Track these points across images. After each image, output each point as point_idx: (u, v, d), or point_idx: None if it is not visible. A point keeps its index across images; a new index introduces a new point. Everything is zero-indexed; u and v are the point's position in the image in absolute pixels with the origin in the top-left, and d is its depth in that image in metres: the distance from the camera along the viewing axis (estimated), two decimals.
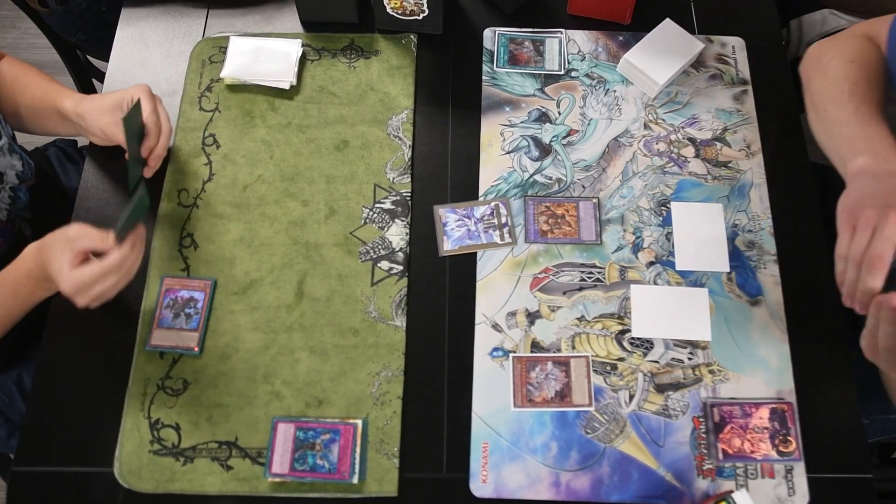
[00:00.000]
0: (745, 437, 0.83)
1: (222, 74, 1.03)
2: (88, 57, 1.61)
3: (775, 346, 0.88)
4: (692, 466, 0.83)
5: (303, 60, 1.06)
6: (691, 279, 0.92)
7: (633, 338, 0.89)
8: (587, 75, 1.06)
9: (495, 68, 1.06)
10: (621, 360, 0.88)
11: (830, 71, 0.86)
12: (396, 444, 0.84)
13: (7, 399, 1.02)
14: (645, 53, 1.03)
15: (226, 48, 1.06)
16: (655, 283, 0.92)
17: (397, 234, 0.95)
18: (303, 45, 1.07)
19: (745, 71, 1.06)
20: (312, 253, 0.94)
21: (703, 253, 0.93)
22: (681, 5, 1.11)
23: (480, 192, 0.97)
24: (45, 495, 0.83)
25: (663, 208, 0.96)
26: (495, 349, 0.88)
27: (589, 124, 1.02)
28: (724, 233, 0.94)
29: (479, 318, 0.90)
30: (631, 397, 0.86)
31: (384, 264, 0.93)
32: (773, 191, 0.97)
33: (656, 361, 0.88)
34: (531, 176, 0.98)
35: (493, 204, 0.96)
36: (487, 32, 1.09)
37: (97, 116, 0.91)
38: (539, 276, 0.92)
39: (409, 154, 1.00)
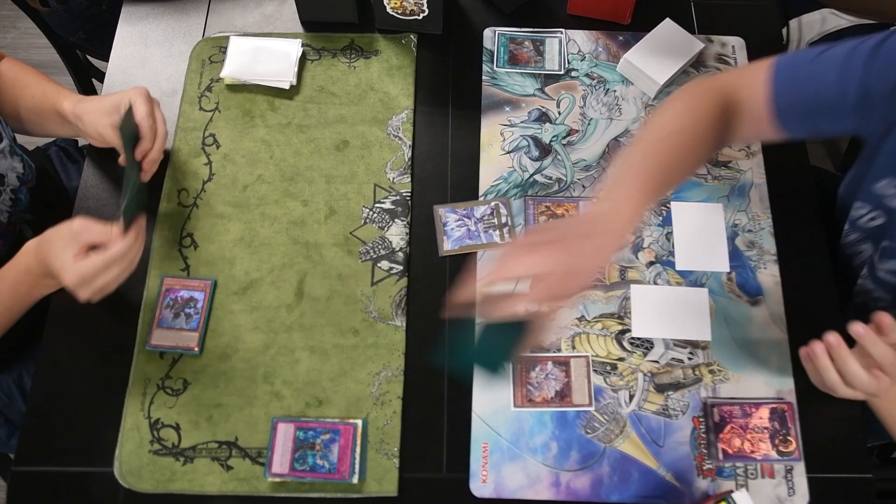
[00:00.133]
0: (745, 437, 0.83)
1: (222, 74, 1.03)
2: (88, 57, 1.61)
3: (775, 346, 0.88)
4: (692, 466, 0.83)
5: (303, 60, 1.06)
6: (691, 279, 0.92)
7: (633, 338, 0.89)
8: (587, 75, 1.06)
9: (495, 68, 1.06)
10: (621, 360, 0.88)
11: (666, 114, 0.79)
12: (396, 444, 0.84)
13: (7, 399, 1.02)
14: (645, 53, 1.03)
15: (226, 48, 1.06)
16: (655, 283, 0.92)
17: (397, 234, 0.95)
18: (303, 45, 1.07)
19: None
20: (312, 253, 0.94)
21: (703, 253, 0.93)
22: (681, 5, 1.11)
23: (480, 192, 0.97)
24: (45, 495, 0.83)
25: (663, 208, 0.96)
26: None
27: (589, 124, 1.02)
28: (724, 233, 0.94)
29: (478, 318, 0.90)
30: (631, 397, 0.86)
31: (384, 264, 0.93)
32: (773, 191, 0.97)
33: (656, 361, 0.88)
34: (531, 176, 0.98)
35: (493, 204, 0.96)
36: (487, 32, 1.09)
37: (94, 118, 0.91)
38: None
39: (409, 154, 1.00)
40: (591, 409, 0.85)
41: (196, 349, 0.87)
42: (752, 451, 0.82)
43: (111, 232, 0.79)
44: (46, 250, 0.81)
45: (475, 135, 1.01)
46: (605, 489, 0.82)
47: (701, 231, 0.95)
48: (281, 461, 0.81)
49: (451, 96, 1.04)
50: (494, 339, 0.72)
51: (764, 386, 0.86)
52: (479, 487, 0.82)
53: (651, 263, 0.93)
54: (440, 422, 0.85)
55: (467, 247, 0.94)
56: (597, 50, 1.07)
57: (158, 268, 0.92)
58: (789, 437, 0.83)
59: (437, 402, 0.86)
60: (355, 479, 0.80)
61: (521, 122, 1.02)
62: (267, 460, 0.81)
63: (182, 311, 0.89)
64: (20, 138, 1.02)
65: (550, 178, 0.98)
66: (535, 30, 1.09)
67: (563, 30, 1.09)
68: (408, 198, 0.97)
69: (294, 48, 1.05)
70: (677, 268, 0.93)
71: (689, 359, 0.88)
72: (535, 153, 1.00)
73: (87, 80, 1.62)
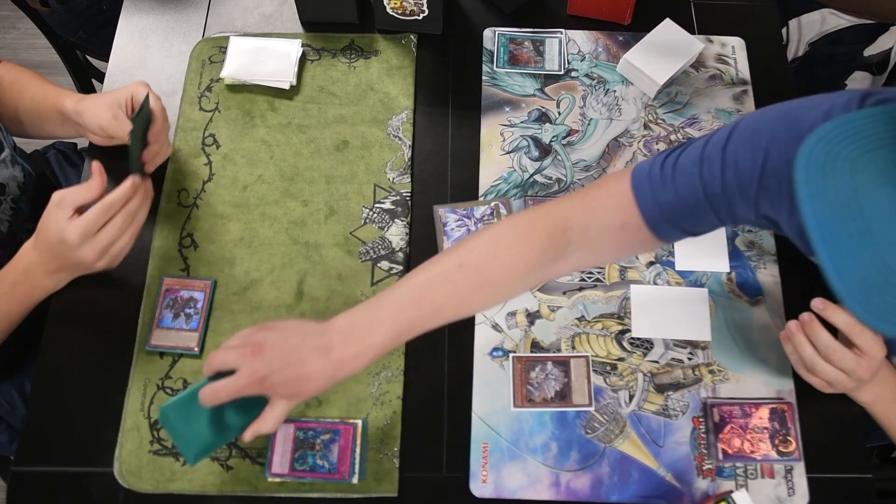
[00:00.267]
0: (745, 437, 0.83)
1: (222, 74, 1.03)
2: (88, 57, 1.61)
3: (775, 346, 0.88)
4: (692, 466, 0.83)
5: (303, 60, 1.06)
6: (691, 279, 0.92)
7: (632, 338, 0.89)
8: (587, 75, 1.06)
9: (495, 68, 1.06)
10: (621, 360, 0.88)
11: (478, 242, 0.73)
12: (396, 444, 0.84)
13: (8, 406, 1.02)
14: (645, 53, 1.03)
15: (226, 48, 1.06)
16: (655, 283, 0.92)
17: (397, 234, 0.95)
18: (303, 45, 1.07)
19: (744, 71, 1.06)
20: (312, 253, 0.94)
21: (703, 253, 0.93)
22: (681, 5, 1.11)
23: (480, 192, 0.97)
24: (45, 495, 0.82)
25: None
26: (495, 349, 0.88)
27: (589, 124, 1.02)
28: (724, 233, 0.94)
29: (479, 318, 0.90)
30: (631, 397, 0.86)
31: (384, 264, 0.93)
32: None
33: (656, 361, 0.88)
34: (531, 176, 0.98)
35: (493, 204, 0.96)
36: (487, 32, 1.09)
37: (96, 113, 0.91)
38: None
39: (409, 154, 1.00)
40: (591, 409, 0.85)
41: (196, 349, 0.87)
42: (752, 452, 0.82)
43: (92, 187, 0.80)
44: (44, 237, 0.81)
45: (475, 135, 1.01)
46: (605, 489, 0.82)
47: None
48: (281, 461, 0.81)
49: (451, 96, 1.04)
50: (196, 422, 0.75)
51: (764, 386, 0.86)
52: (479, 487, 0.82)
53: (651, 263, 0.93)
54: (440, 422, 0.85)
55: None
56: (597, 50, 1.07)
57: (158, 268, 0.92)
58: (789, 438, 0.83)
59: (437, 402, 0.86)
60: (355, 479, 0.80)
61: (521, 123, 1.02)
62: (267, 460, 0.81)
63: (182, 311, 0.89)
64: (18, 141, 1.02)
65: (550, 179, 0.98)
66: (535, 30, 1.09)
67: (563, 30, 1.09)
68: (408, 198, 0.97)
69: (294, 48, 1.05)
70: (677, 268, 0.93)
71: (689, 359, 0.88)
72: (535, 153, 1.00)
73: (87, 81, 1.62)
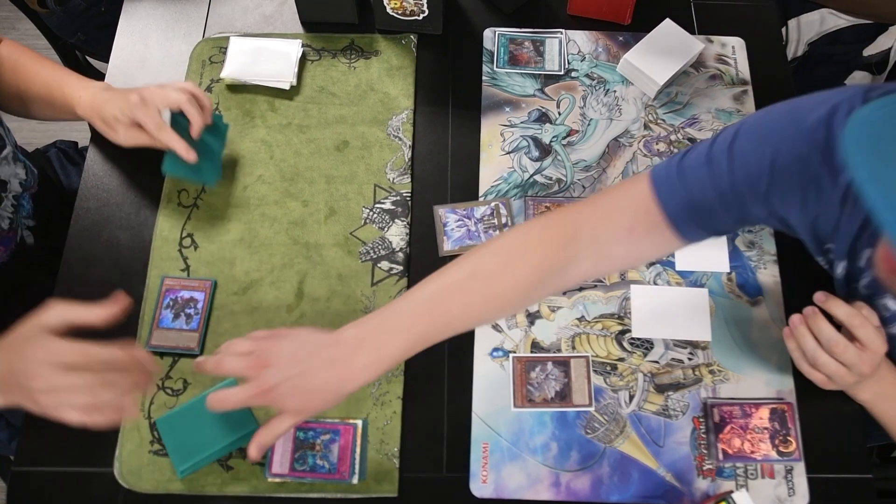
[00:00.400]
0: (745, 437, 0.83)
1: (222, 75, 1.03)
2: (88, 58, 1.61)
3: (775, 346, 0.88)
4: (692, 466, 0.83)
5: (303, 61, 1.06)
6: (691, 279, 0.92)
7: (633, 338, 0.89)
8: (587, 75, 1.06)
9: (495, 68, 1.06)
10: (621, 360, 0.88)
11: (493, 250, 0.73)
12: (396, 444, 0.83)
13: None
14: (645, 53, 1.03)
15: (226, 48, 1.06)
16: (655, 283, 0.92)
17: (397, 234, 0.95)
18: (303, 46, 1.07)
19: (744, 71, 1.06)
20: (312, 253, 0.94)
21: (703, 253, 0.93)
22: (681, 5, 1.11)
23: (480, 193, 0.97)
24: (45, 495, 0.82)
25: None
26: (495, 349, 0.88)
27: (589, 124, 1.02)
28: None
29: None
30: (631, 397, 0.86)
31: (384, 264, 0.93)
32: None
33: (656, 361, 0.88)
34: (531, 176, 0.98)
35: (493, 204, 0.96)
36: (487, 32, 1.09)
37: (117, 104, 0.90)
38: None
39: (409, 154, 1.00)
40: (591, 409, 0.85)
41: (196, 349, 0.87)
42: (752, 452, 0.82)
43: (97, 312, 0.69)
44: (8, 337, 0.71)
45: (475, 135, 1.01)
46: (605, 489, 0.82)
47: None
48: (281, 461, 0.81)
49: (451, 96, 1.05)
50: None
51: (764, 386, 0.86)
52: (479, 487, 0.82)
53: (651, 264, 0.93)
54: (440, 422, 0.85)
55: (467, 247, 0.94)
56: (597, 50, 1.08)
57: (158, 268, 0.92)
58: (789, 438, 0.83)
59: (437, 402, 0.86)
60: (355, 480, 0.80)
61: (521, 123, 1.02)
62: (267, 460, 0.81)
63: (182, 311, 0.89)
64: (19, 140, 1.02)
65: (550, 179, 0.98)
66: (535, 30, 1.09)
67: (563, 30, 1.09)
68: (408, 198, 0.97)
69: (294, 48, 1.05)
70: (677, 268, 0.93)
71: (689, 359, 0.88)
72: (535, 153, 1.00)
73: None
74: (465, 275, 0.71)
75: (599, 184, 0.97)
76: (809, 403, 0.85)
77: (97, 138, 0.98)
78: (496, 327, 0.89)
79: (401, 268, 0.93)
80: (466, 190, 0.98)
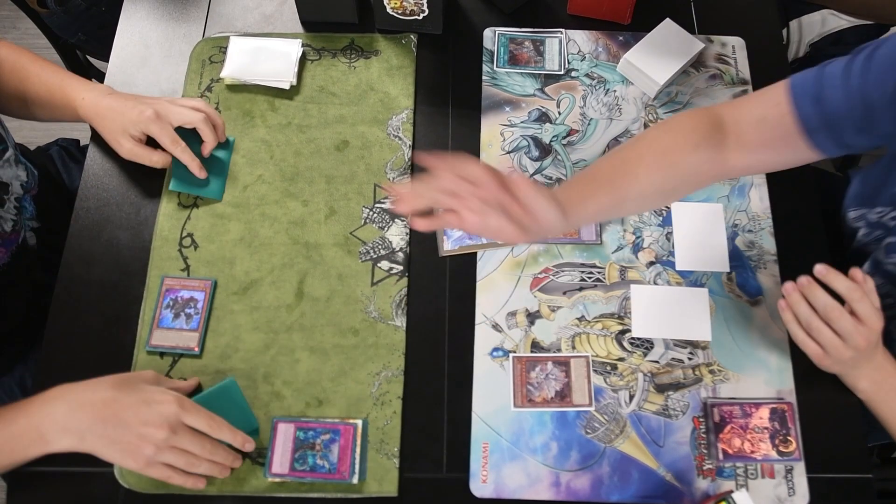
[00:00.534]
0: (745, 437, 0.83)
1: (222, 74, 1.03)
2: (88, 57, 1.61)
3: (775, 346, 0.88)
4: (692, 466, 0.83)
5: (303, 60, 1.06)
6: (691, 279, 0.92)
7: (633, 338, 0.89)
8: (587, 75, 1.06)
9: (495, 68, 1.06)
10: (621, 360, 0.88)
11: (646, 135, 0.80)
12: (396, 444, 0.84)
13: (9, 400, 1.02)
14: (645, 53, 1.03)
15: (226, 48, 1.06)
16: (655, 283, 0.92)
17: (397, 234, 0.95)
18: (303, 45, 1.07)
19: (745, 71, 1.06)
20: (312, 253, 0.94)
21: (703, 253, 0.93)
22: (681, 5, 1.11)
23: None
24: (45, 495, 0.83)
25: (663, 208, 0.96)
26: (495, 349, 0.88)
27: (589, 124, 1.02)
28: (724, 233, 0.94)
29: (479, 318, 0.90)
30: (631, 397, 0.86)
31: (384, 264, 0.93)
32: (773, 191, 0.97)
33: (656, 361, 0.88)
34: (531, 176, 0.98)
35: None
36: (487, 32, 1.09)
37: (134, 106, 0.92)
38: (539, 276, 0.92)
39: (409, 154, 1.00)
40: (591, 409, 0.85)
41: (196, 349, 0.87)
42: (752, 452, 0.82)
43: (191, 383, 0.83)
44: (128, 377, 0.78)
45: (475, 135, 1.01)
46: (605, 489, 0.82)
47: (701, 231, 0.95)
48: (281, 461, 0.81)
49: (451, 96, 1.05)
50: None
51: (764, 386, 0.86)
52: (479, 487, 0.82)
53: (651, 263, 0.93)
54: (440, 422, 0.85)
55: (467, 247, 0.94)
56: (597, 50, 1.07)
57: (158, 268, 0.92)
58: (789, 438, 0.83)
59: (437, 402, 0.86)
60: (355, 479, 0.80)
61: (521, 122, 1.02)
62: (267, 460, 0.81)
63: (182, 311, 0.89)
64: (21, 138, 1.02)
65: (551, 179, 0.98)
66: (535, 30, 1.09)
67: (563, 30, 1.09)
68: None
69: (294, 48, 1.05)
70: (677, 268, 0.93)
71: (689, 359, 0.88)
72: (536, 153, 1.00)
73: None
74: (635, 154, 0.77)
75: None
76: (809, 403, 0.85)
77: (97, 138, 0.98)
78: (496, 327, 0.89)
79: (401, 268, 0.93)
80: None
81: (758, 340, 0.89)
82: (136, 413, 0.74)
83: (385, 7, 1.04)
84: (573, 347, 0.88)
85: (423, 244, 0.94)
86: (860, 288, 0.76)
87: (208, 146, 0.95)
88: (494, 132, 1.01)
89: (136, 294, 0.91)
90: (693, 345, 0.89)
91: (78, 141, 1.23)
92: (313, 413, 0.85)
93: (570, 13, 1.10)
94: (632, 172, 0.77)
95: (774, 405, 0.84)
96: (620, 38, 1.08)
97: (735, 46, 1.07)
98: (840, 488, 0.82)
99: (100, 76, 1.63)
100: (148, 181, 0.98)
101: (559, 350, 0.88)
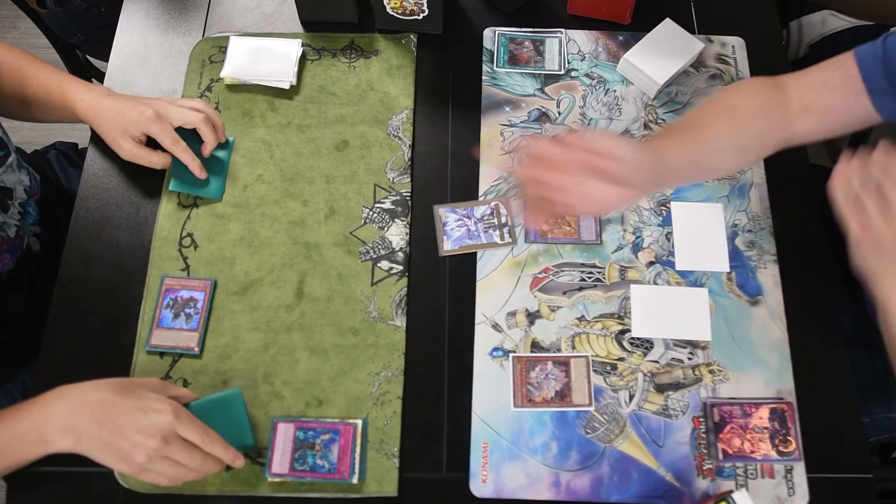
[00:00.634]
0: (745, 437, 0.83)
1: (222, 74, 1.03)
2: (88, 57, 1.61)
3: (775, 346, 0.88)
4: (692, 466, 0.83)
5: (303, 60, 1.06)
6: (691, 279, 0.92)
7: (633, 338, 0.89)
8: (587, 75, 1.06)
9: (495, 68, 1.06)
10: (621, 360, 0.88)
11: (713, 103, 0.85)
12: (396, 444, 0.84)
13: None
14: (645, 53, 1.03)
15: (226, 48, 1.06)
16: (655, 283, 0.92)
17: (397, 234, 0.95)
18: (303, 45, 1.07)
19: (745, 71, 1.06)
20: (312, 253, 0.94)
21: (703, 253, 0.93)
22: (681, 5, 1.11)
23: (480, 192, 0.97)
24: (45, 495, 0.83)
25: (663, 208, 0.96)
26: (495, 349, 0.88)
27: (589, 124, 1.02)
28: (724, 233, 0.94)
29: (479, 318, 0.90)
30: (631, 397, 0.86)
31: (384, 264, 0.93)
32: (773, 191, 0.97)
33: (656, 361, 0.88)
34: None
35: (493, 204, 0.96)
36: (487, 32, 1.09)
37: (134, 107, 0.92)
38: (539, 276, 0.92)
39: (409, 154, 1.00)
40: (591, 409, 0.85)
41: (196, 349, 0.87)
42: (752, 451, 0.82)
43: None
44: (126, 380, 0.79)
45: (475, 135, 1.01)
46: (605, 489, 0.82)
47: (701, 231, 0.95)
48: (281, 461, 0.81)
49: (451, 96, 1.05)
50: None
51: (764, 386, 0.86)
52: (479, 487, 0.82)
53: (651, 263, 0.93)
54: (440, 422, 0.85)
55: (467, 247, 0.94)
56: (597, 50, 1.07)
57: (158, 268, 0.92)
58: (789, 437, 0.83)
59: (437, 402, 0.86)
60: (355, 479, 0.80)
61: (522, 122, 1.02)
62: (267, 460, 0.81)
63: (182, 311, 0.89)
64: (20, 139, 1.02)
65: None
66: (535, 30, 1.09)
67: (563, 30, 1.09)
68: (408, 198, 0.97)
69: (294, 48, 1.05)
70: (677, 268, 0.93)
71: (689, 359, 0.88)
72: None
73: (86, 81, 1.62)
74: (716, 110, 0.83)
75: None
76: (809, 403, 0.85)
77: (97, 139, 0.98)
78: (496, 327, 0.89)
79: (401, 267, 0.93)
80: (466, 190, 0.98)
81: (758, 340, 0.89)
82: (131, 419, 0.73)
83: (385, 7, 1.04)
84: (573, 347, 0.88)
85: (422, 244, 0.94)
86: None
87: (208, 146, 0.95)
88: (494, 132, 1.01)
89: (135, 294, 0.91)
90: (693, 345, 0.89)
91: (76, 144, 1.23)
92: (313, 413, 0.85)
93: (570, 13, 1.10)
94: (708, 125, 0.82)
95: (774, 405, 0.84)
96: (620, 38, 1.08)
97: (735, 46, 1.07)
98: (840, 488, 0.82)
99: (100, 76, 1.63)
100: (148, 181, 0.98)
101: (559, 350, 0.88)
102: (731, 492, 0.76)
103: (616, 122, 1.02)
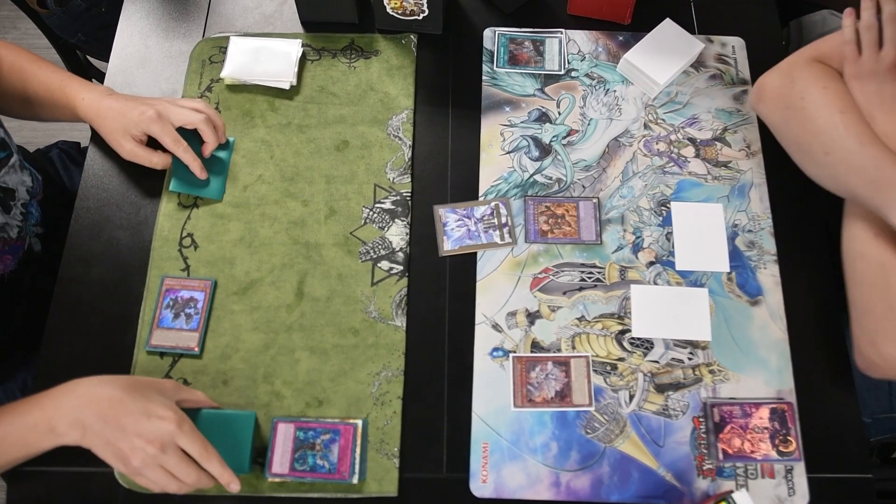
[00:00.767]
0: (745, 437, 0.83)
1: (222, 74, 1.03)
2: (88, 57, 1.61)
3: (775, 346, 0.88)
4: (692, 466, 0.83)
5: (303, 60, 1.06)
6: (691, 279, 0.92)
7: (633, 338, 0.89)
8: (587, 75, 1.06)
9: (495, 68, 1.06)
10: (621, 360, 0.88)
11: (809, 106, 0.83)
12: (396, 444, 0.84)
13: None
14: (645, 53, 1.03)
15: (226, 48, 1.06)
16: (655, 283, 0.92)
17: (397, 234, 0.95)
18: (303, 45, 1.07)
19: (745, 71, 1.06)
20: (312, 253, 0.94)
21: (703, 253, 0.93)
22: (681, 5, 1.11)
23: (480, 192, 0.97)
24: (45, 495, 0.83)
25: (663, 208, 0.96)
26: (495, 349, 0.88)
27: (589, 124, 1.02)
28: (724, 233, 0.94)
29: (479, 318, 0.90)
30: (631, 397, 0.86)
31: (384, 264, 0.93)
32: (773, 191, 0.97)
33: (656, 361, 0.88)
34: (531, 176, 0.98)
35: (493, 204, 0.96)
36: (487, 32, 1.09)
37: (136, 107, 0.92)
38: (539, 276, 0.92)
39: (409, 154, 1.00)
40: (591, 409, 0.85)
41: (196, 349, 0.87)
42: (752, 452, 0.82)
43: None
44: (132, 379, 0.78)
45: (475, 135, 1.01)
46: (605, 489, 0.82)
47: (701, 231, 0.95)
48: (281, 461, 0.81)
49: (451, 96, 1.05)
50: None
51: (764, 386, 0.86)
52: (479, 487, 0.82)
53: (651, 263, 0.93)
54: (440, 422, 0.85)
55: (467, 247, 0.94)
56: (597, 50, 1.07)
57: (158, 268, 0.92)
58: (789, 437, 0.83)
59: (437, 402, 0.86)
60: (355, 480, 0.80)
61: (521, 122, 1.02)
62: (267, 460, 0.81)
63: (182, 311, 0.89)
64: (20, 141, 1.02)
65: (550, 179, 0.98)
66: (535, 30, 1.09)
67: (563, 30, 1.09)
68: (408, 198, 0.97)
69: (294, 48, 1.05)
70: (677, 268, 0.93)
71: (689, 359, 0.88)
72: (535, 153, 1.00)
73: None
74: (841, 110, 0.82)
75: (599, 183, 0.97)
76: (809, 403, 0.85)
77: (97, 138, 0.98)
78: (496, 327, 0.89)
79: (401, 267, 0.93)
80: (466, 190, 0.98)
81: (758, 340, 0.89)
82: (134, 421, 0.73)
83: (385, 7, 1.04)
84: (573, 347, 0.88)
85: (423, 244, 0.94)
86: None
87: (209, 147, 0.96)
88: (494, 132, 1.01)
89: (136, 294, 0.91)
90: (693, 345, 0.89)
91: (79, 144, 1.23)
92: (313, 413, 0.85)
93: (570, 13, 1.10)
94: None
95: (774, 405, 0.84)
96: (620, 38, 1.08)
97: (735, 46, 1.07)
98: (840, 488, 0.82)
99: (100, 76, 1.63)
100: (148, 181, 0.98)
101: (559, 350, 0.88)
102: (732, 492, 0.76)
103: (616, 122, 1.02)
